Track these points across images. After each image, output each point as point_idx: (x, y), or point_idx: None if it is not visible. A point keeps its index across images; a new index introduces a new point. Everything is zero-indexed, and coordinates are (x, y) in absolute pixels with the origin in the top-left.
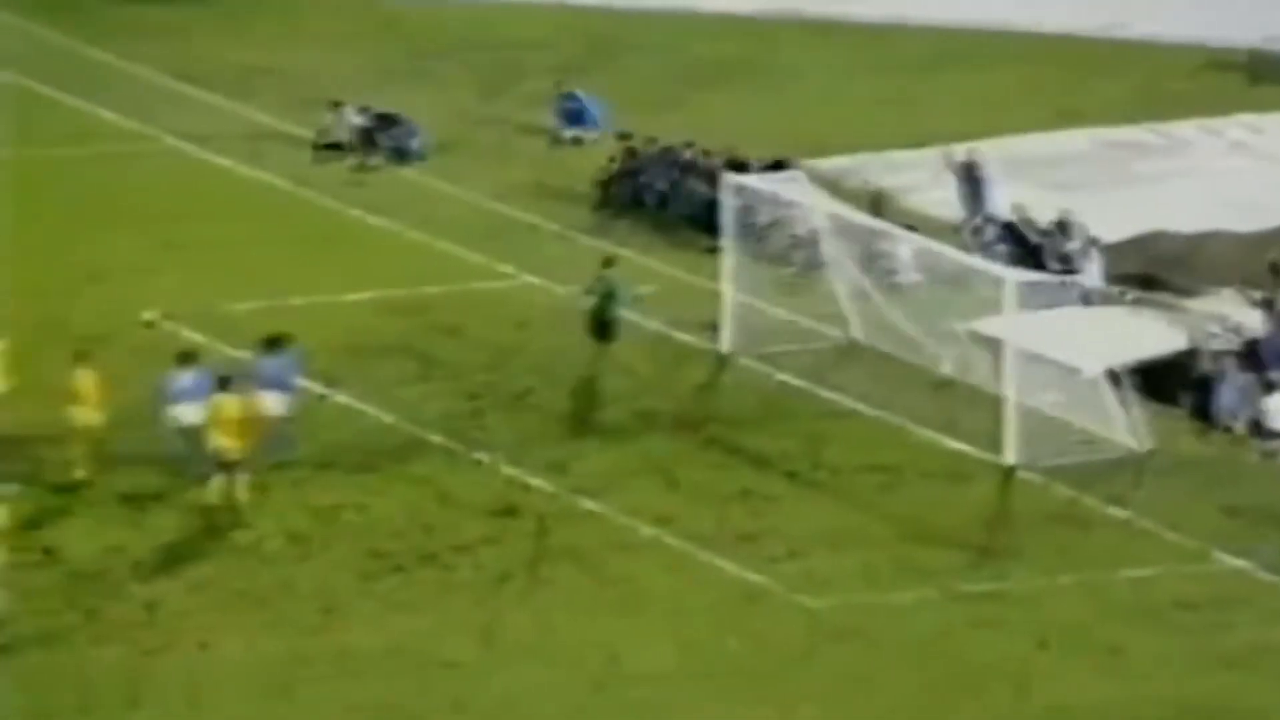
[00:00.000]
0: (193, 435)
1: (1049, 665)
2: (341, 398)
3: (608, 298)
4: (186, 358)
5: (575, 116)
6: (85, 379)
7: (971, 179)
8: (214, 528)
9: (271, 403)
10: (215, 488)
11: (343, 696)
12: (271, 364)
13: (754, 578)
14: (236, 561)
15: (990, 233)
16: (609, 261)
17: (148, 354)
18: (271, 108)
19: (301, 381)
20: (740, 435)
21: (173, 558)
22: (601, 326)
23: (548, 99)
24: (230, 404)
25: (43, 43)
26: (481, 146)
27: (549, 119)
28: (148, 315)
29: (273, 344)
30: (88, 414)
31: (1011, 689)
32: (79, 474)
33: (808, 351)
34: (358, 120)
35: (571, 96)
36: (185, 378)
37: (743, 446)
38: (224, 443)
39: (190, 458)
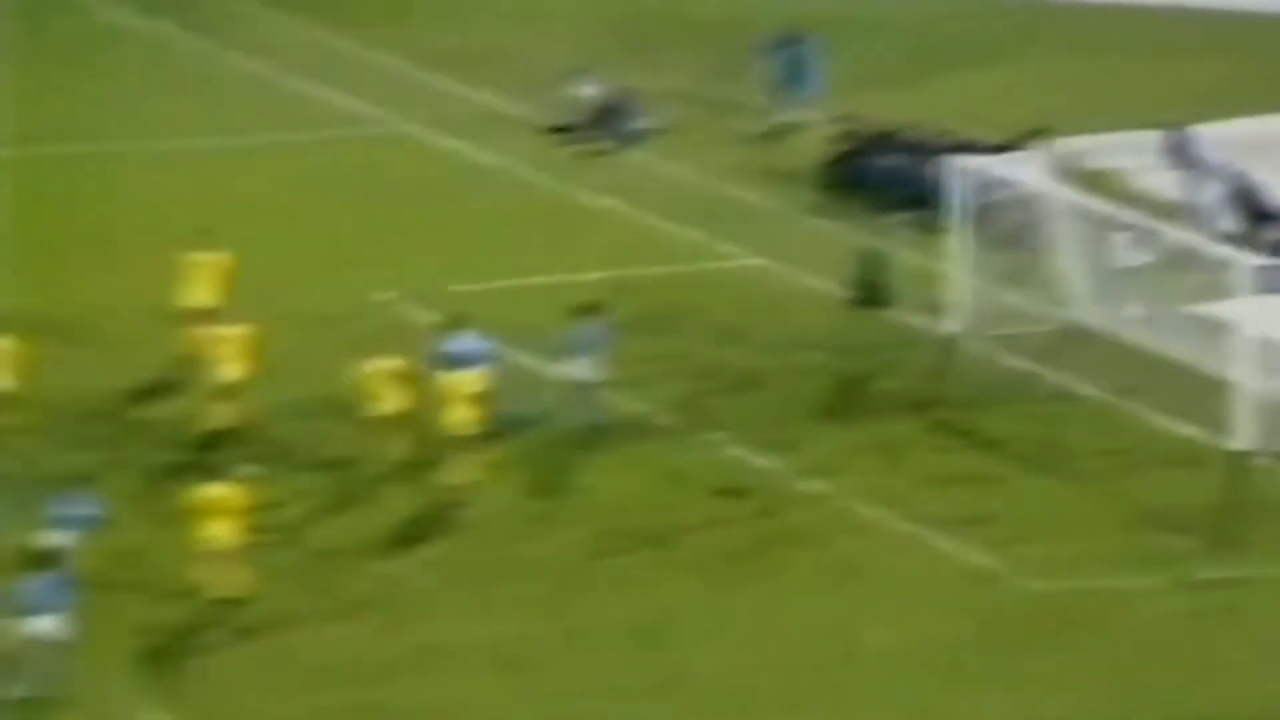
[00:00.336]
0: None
1: None
2: (570, 378)
3: (875, 266)
4: (587, 309)
5: (795, 66)
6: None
7: (1192, 159)
8: (449, 505)
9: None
10: (454, 466)
11: (574, 674)
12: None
13: (982, 560)
14: (469, 539)
15: (1219, 210)
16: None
17: (385, 335)
18: (500, 90)
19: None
20: (969, 418)
21: (408, 536)
22: (872, 293)
23: (766, 52)
24: (467, 379)
25: (281, 29)
26: (708, 126)
27: (768, 76)
28: (382, 296)
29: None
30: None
31: (1244, 677)
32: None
33: (1036, 334)
34: (589, 95)
35: (793, 42)
36: (585, 331)
37: (971, 429)
38: (459, 418)
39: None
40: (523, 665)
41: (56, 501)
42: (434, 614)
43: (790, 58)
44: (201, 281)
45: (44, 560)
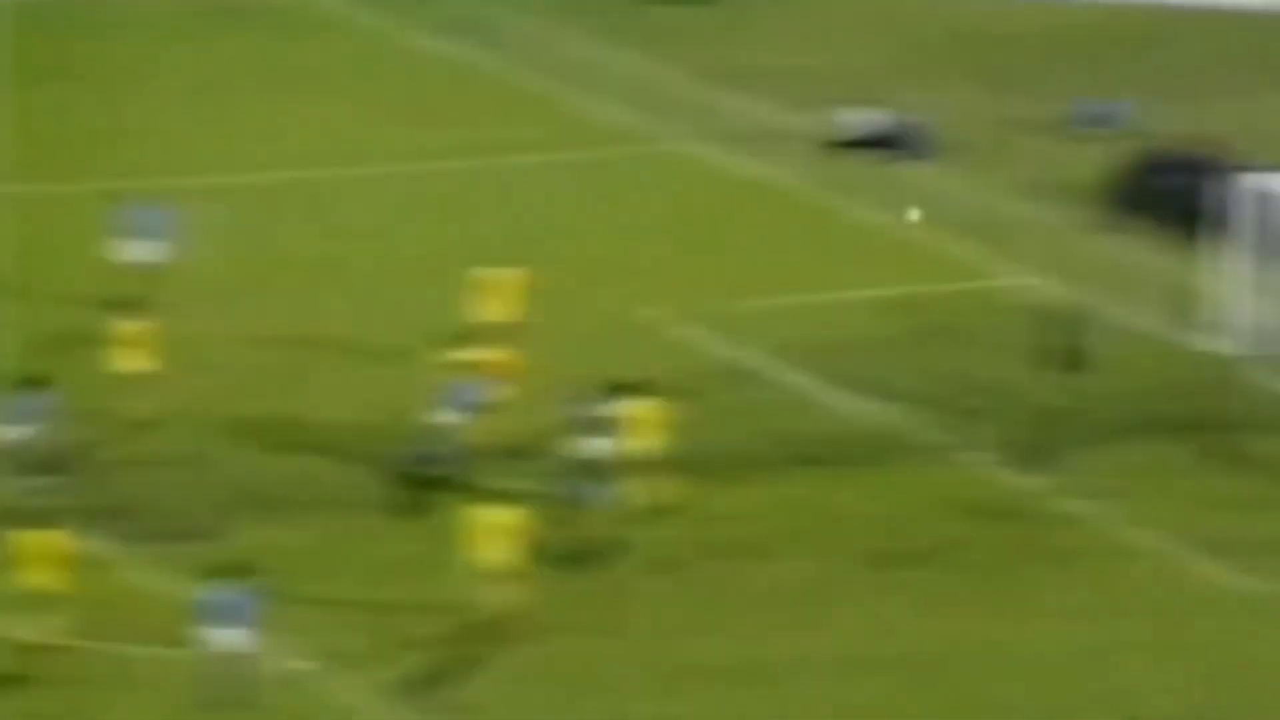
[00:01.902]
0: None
1: None
2: (831, 394)
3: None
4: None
5: (1096, 118)
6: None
7: None
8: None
9: None
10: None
11: (830, 696)
12: None
13: (1253, 587)
14: (726, 558)
15: None
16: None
17: (653, 354)
18: (782, 106)
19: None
20: (1245, 441)
21: (667, 558)
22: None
23: (1061, 97)
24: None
25: (557, 45)
26: (991, 144)
27: (1065, 120)
28: (655, 312)
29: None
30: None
31: None
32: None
33: None
34: (871, 119)
35: (1103, 108)
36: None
37: (1247, 452)
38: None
39: None
40: (773, 684)
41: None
42: (686, 631)
43: (1096, 118)
44: (496, 298)
45: (228, 570)
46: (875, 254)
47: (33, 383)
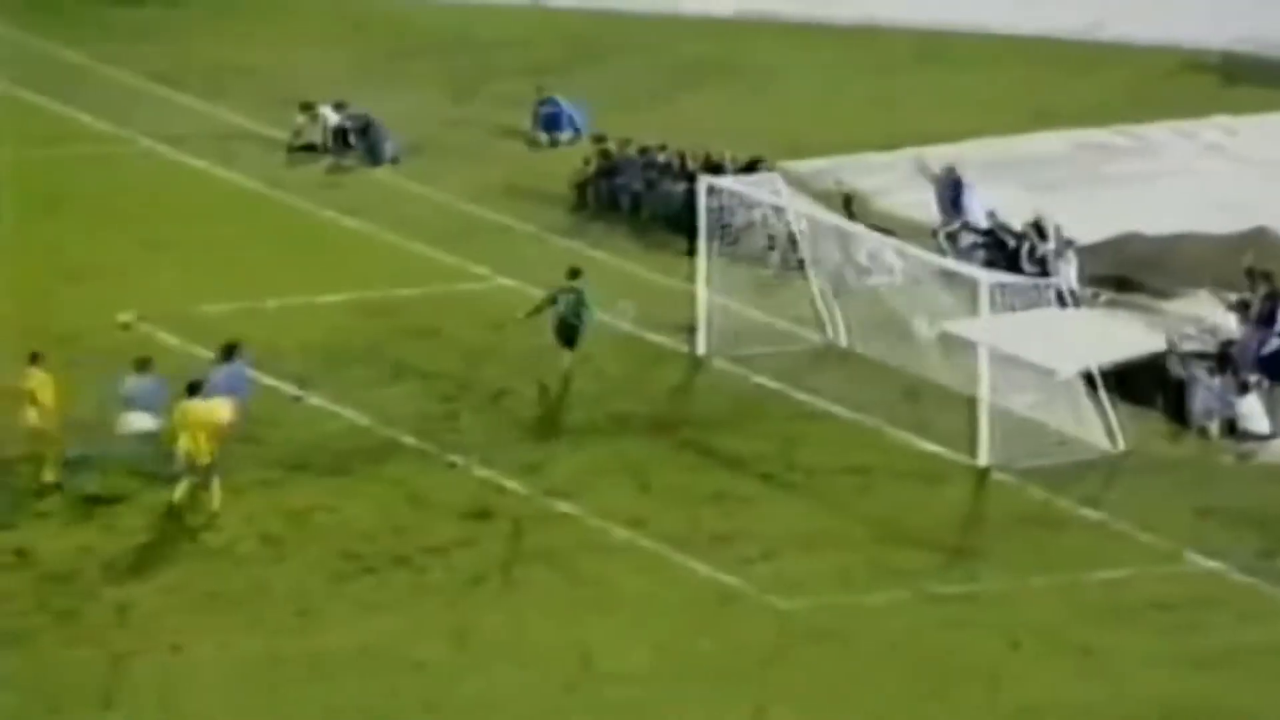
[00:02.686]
0: (149, 440)
1: (1022, 666)
2: (315, 400)
3: (575, 306)
4: (143, 364)
5: (554, 122)
6: (40, 380)
7: (949, 185)
8: (185, 530)
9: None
10: (183, 490)
11: (316, 698)
12: (224, 372)
13: (727, 579)
14: (208, 564)
15: (966, 238)
16: (575, 272)
17: (123, 355)
18: (245, 108)
19: (252, 388)
20: (714, 437)
21: (144, 560)
22: (567, 333)
23: (525, 102)
24: (197, 409)
25: (19, 45)
26: (456, 148)
27: (527, 123)
28: (124, 316)
29: (228, 352)
30: (44, 416)
31: (984, 689)
32: (48, 477)
33: (783, 353)
34: (333, 119)
35: (551, 102)
36: (140, 383)
37: (717, 448)
38: (192, 447)
39: (149, 461)
40: (266, 689)
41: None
42: (172, 638)
43: (548, 114)
44: None
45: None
46: (347, 258)
47: None
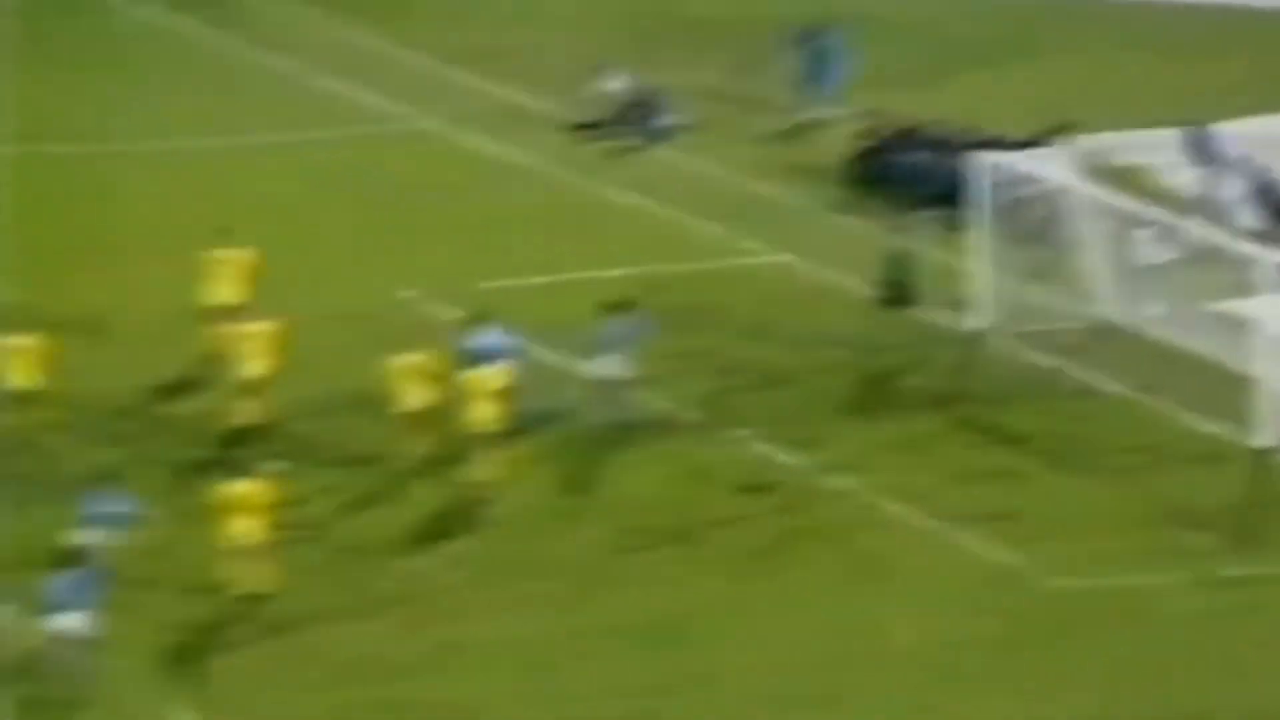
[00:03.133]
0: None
1: None
2: (597, 374)
3: (902, 265)
4: (620, 306)
5: (819, 59)
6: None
7: (1213, 155)
8: (473, 501)
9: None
10: (479, 462)
11: (596, 672)
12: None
13: (1006, 558)
14: (493, 535)
15: (1240, 206)
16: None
17: (409, 332)
18: (522, 86)
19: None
20: (993, 414)
21: (432, 532)
22: (899, 293)
23: (791, 45)
24: (481, 377)
25: (303, 25)
26: (730, 123)
27: (791, 70)
28: (406, 293)
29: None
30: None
31: (1265, 676)
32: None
33: (1061, 330)
34: (615, 89)
35: (818, 35)
36: (616, 327)
37: (996, 425)
38: (478, 416)
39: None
40: (544, 663)
41: (89, 499)
42: (457, 611)
43: (815, 51)
44: (224, 279)
45: (70, 557)
46: (625, 233)
47: None
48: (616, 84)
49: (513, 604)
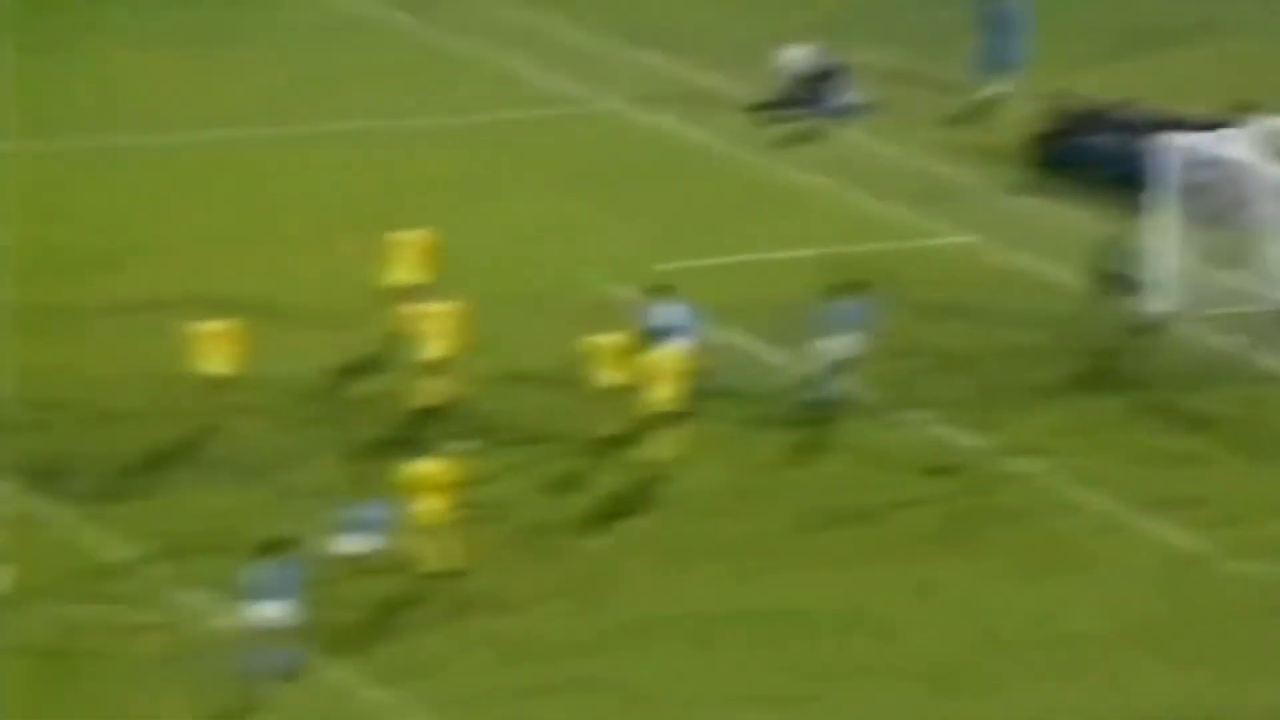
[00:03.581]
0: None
1: None
2: (776, 355)
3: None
4: (849, 287)
5: (1003, 26)
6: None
7: None
8: (653, 481)
9: None
10: (659, 441)
11: (772, 654)
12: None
13: (1191, 543)
14: (674, 515)
15: None
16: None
17: (592, 312)
18: (704, 66)
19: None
20: (1177, 398)
21: (614, 512)
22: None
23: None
24: (671, 354)
25: (486, 7)
26: (915, 103)
27: (973, 44)
28: (588, 274)
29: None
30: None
31: None
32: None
33: (1247, 314)
34: (798, 64)
35: (1000, 7)
36: (840, 307)
37: (1180, 409)
38: (661, 395)
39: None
40: (721, 644)
41: (347, 508)
42: (636, 591)
43: (998, 25)
44: (407, 260)
45: (273, 547)
46: (808, 214)
47: None
48: (800, 58)
49: (691, 584)
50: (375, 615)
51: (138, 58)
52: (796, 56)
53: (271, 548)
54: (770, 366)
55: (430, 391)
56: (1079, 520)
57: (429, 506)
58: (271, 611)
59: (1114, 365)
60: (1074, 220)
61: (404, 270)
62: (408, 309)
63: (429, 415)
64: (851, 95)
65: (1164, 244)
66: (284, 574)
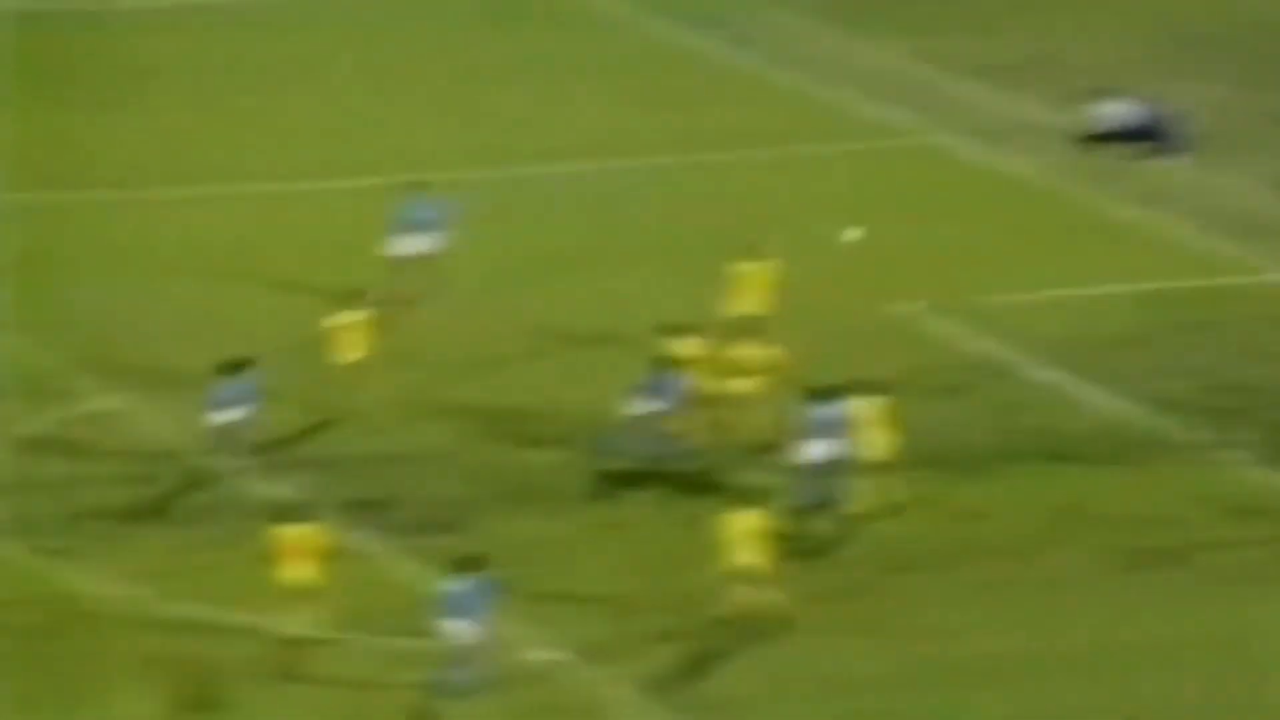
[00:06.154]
0: None
1: None
2: (1086, 390)
3: None
4: None
5: None
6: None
7: None
8: (942, 521)
9: None
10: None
11: (1080, 693)
12: None
13: None
14: (984, 555)
15: None
16: None
17: (906, 349)
18: (1035, 100)
19: None
20: None
21: (926, 553)
22: None
23: None
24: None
25: (817, 39)
26: (1247, 137)
27: None
28: (908, 306)
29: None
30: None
31: None
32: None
33: None
34: (1123, 111)
35: None
36: None
37: None
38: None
39: None
40: (1027, 682)
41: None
42: (941, 628)
43: None
44: (748, 291)
45: (463, 564)
46: (1130, 249)
47: (236, 366)
48: (1122, 109)
49: (998, 622)
50: (679, 650)
51: None
52: (1114, 112)
53: (461, 565)
54: (1084, 404)
55: (743, 427)
56: None
57: (747, 556)
58: (459, 629)
59: None
60: None
61: (746, 301)
62: (720, 351)
63: (742, 452)
64: (1179, 135)
65: None
66: (475, 593)
